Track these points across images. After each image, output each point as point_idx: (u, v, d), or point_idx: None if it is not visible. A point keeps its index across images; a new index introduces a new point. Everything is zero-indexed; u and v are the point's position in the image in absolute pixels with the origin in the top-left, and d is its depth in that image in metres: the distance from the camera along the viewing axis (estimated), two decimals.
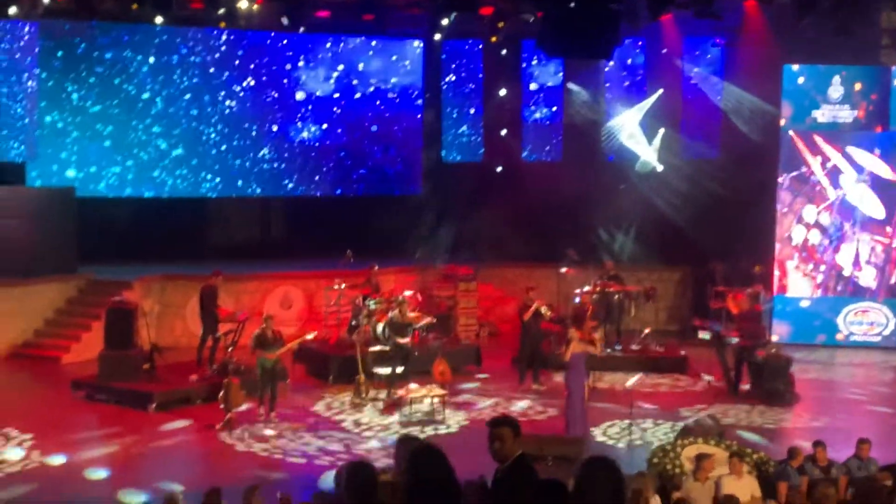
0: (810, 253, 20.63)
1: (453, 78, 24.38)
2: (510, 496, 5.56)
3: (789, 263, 20.70)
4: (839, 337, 20.54)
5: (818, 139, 20.37)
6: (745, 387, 16.67)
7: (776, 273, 20.63)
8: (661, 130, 22.37)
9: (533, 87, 24.01)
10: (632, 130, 22.45)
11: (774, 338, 19.25)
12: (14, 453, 13.05)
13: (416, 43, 23.79)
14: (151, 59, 21.60)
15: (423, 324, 17.18)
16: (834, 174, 20.50)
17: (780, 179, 20.49)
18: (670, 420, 14.71)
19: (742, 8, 18.62)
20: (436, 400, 15.26)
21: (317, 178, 23.45)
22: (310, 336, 16.27)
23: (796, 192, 20.57)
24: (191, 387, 15.99)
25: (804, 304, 20.69)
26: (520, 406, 15.89)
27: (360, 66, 23.50)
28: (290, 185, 23.28)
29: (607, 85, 23.16)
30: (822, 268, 20.65)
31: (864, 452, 11.19)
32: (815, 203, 20.59)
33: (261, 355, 14.77)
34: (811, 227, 20.59)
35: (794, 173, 20.56)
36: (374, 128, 23.78)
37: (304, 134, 23.23)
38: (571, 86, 23.04)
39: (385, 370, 16.33)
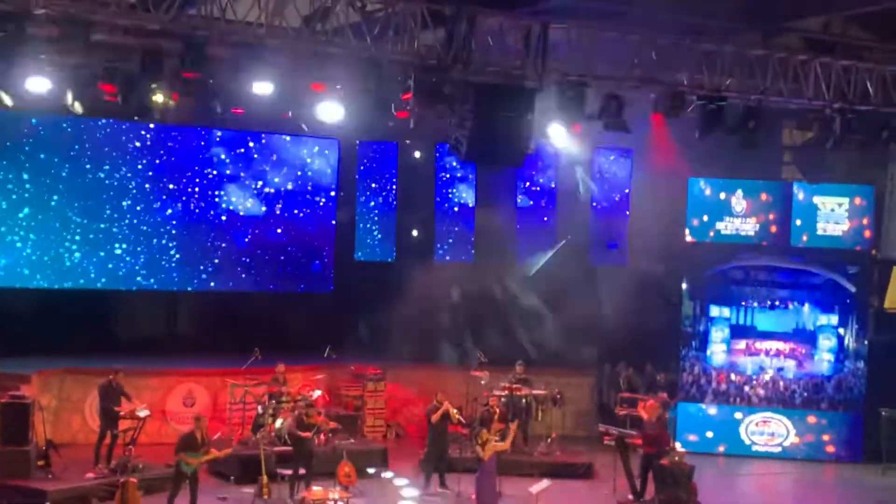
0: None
1: (367, 177, 24.56)
2: None
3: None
4: (741, 445, 20.86)
5: None
6: (650, 496, 16.75)
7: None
8: (569, 237, 22.82)
9: (446, 188, 24.32)
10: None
11: (678, 445, 19.42)
12: None
13: (331, 142, 23.97)
14: (58, 149, 21.34)
15: (327, 428, 16.97)
16: None
17: None
18: None
19: (649, 121, 19.21)
20: (340, 502, 15.01)
21: (227, 273, 23.23)
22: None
23: None
24: (87, 485, 15.53)
25: (709, 412, 20.98)
26: None
27: (274, 164, 23.56)
28: (198, 281, 23.02)
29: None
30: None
31: None
32: None
33: (184, 458, 14.40)
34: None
35: None
36: (286, 225, 23.73)
37: (215, 229, 23.08)
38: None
39: (288, 471, 16.08)
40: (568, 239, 22.80)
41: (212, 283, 23.12)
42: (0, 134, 20.84)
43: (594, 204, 23.02)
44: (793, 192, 21.23)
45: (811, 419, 20.86)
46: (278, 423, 17.19)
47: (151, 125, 22.01)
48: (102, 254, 21.88)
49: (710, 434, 20.91)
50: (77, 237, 21.62)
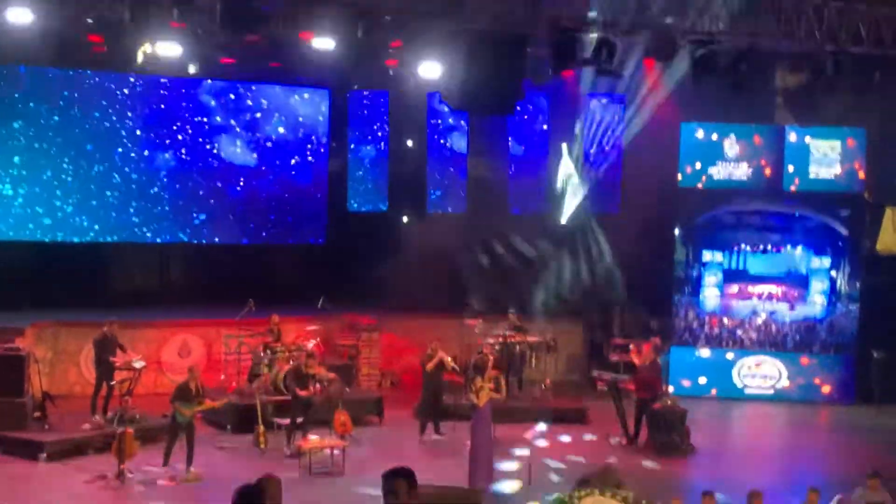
0: None
1: (359, 128, 24.43)
2: None
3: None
4: (734, 388, 21.01)
5: None
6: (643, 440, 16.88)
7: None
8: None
9: (438, 137, 24.22)
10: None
11: (670, 389, 19.55)
12: None
13: (322, 91, 23.82)
14: (50, 103, 21.21)
15: (325, 379, 17.04)
16: None
17: None
18: (569, 470, 14.78)
19: (642, 66, 19.12)
20: (336, 451, 15.12)
21: (220, 225, 23.18)
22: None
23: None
24: (84, 436, 15.61)
25: (701, 354, 21.10)
26: (419, 457, 15.83)
27: (266, 114, 23.42)
28: (192, 232, 22.97)
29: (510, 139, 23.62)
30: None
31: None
32: None
33: (178, 408, 14.50)
34: None
35: None
36: (279, 176, 23.65)
37: (208, 180, 22.99)
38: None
39: (284, 420, 16.18)
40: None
41: (204, 232, 23.08)
42: None
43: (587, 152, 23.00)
44: (785, 136, 21.20)
45: (804, 361, 21.00)
46: (281, 375, 17.22)
47: (141, 75, 21.82)
48: (94, 203, 21.81)
49: (702, 379, 21.03)
50: (68, 187, 21.54)
